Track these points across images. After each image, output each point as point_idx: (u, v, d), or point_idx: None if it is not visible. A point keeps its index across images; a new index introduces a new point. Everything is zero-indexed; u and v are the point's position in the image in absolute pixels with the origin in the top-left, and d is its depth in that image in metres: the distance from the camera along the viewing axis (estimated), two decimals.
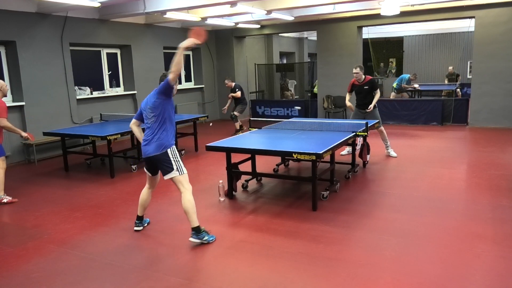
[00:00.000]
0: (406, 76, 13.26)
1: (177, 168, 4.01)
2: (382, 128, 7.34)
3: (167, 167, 4.01)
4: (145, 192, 4.39)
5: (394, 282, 3.29)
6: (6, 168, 5.77)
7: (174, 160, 4.01)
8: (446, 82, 15.81)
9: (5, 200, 5.67)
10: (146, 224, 4.60)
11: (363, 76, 7.30)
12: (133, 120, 4.30)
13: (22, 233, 4.60)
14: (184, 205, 4.00)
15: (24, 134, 5.80)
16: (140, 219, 4.49)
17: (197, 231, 4.05)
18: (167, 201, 5.51)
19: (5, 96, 5.79)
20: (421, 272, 3.42)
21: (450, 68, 15.64)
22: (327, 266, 3.59)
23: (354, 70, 7.26)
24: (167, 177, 4.04)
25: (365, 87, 7.29)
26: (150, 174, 4.27)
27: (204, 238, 4.08)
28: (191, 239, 4.07)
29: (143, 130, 4.23)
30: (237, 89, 10.42)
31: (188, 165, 7.52)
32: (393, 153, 7.59)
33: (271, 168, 6.70)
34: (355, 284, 3.27)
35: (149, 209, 5.17)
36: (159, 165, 4.07)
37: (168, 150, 4.00)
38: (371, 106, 7.15)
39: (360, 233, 4.26)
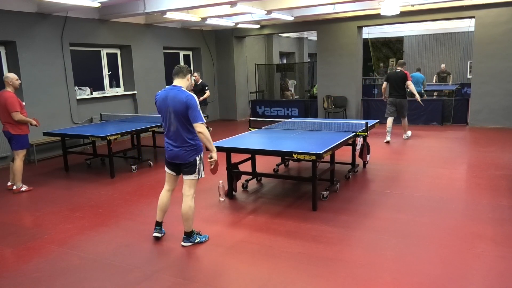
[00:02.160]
0: (420, 76, 12.27)
1: (197, 172, 3.95)
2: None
3: (191, 170, 3.92)
4: (164, 195, 4.11)
5: (394, 282, 3.29)
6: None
7: (199, 164, 3.94)
8: (434, 80, 15.49)
9: (23, 189, 6.03)
10: (163, 234, 4.29)
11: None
12: None
13: (22, 233, 4.60)
14: (184, 210, 3.96)
15: (34, 122, 6.10)
16: (160, 224, 4.22)
17: (188, 235, 4.07)
18: None
19: (17, 89, 5.98)
20: (421, 272, 3.42)
21: (443, 66, 15.33)
22: (327, 266, 3.59)
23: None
24: (186, 178, 3.96)
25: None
26: (174, 174, 4.05)
27: (196, 240, 4.09)
28: (183, 244, 4.06)
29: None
30: (207, 88, 9.71)
31: None
32: (405, 136, 9.22)
33: (271, 168, 6.70)
34: (355, 284, 3.27)
35: (149, 208, 5.18)
36: (183, 167, 3.94)
37: (197, 157, 3.91)
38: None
39: (360, 233, 4.26)
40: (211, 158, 3.87)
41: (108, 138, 6.51)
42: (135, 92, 10.55)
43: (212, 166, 3.89)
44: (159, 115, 4.03)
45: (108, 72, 10.37)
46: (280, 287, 3.28)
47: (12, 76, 5.89)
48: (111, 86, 10.41)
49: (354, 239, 4.14)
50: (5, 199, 5.86)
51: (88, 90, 9.68)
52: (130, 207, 5.29)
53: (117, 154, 7.34)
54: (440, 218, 4.57)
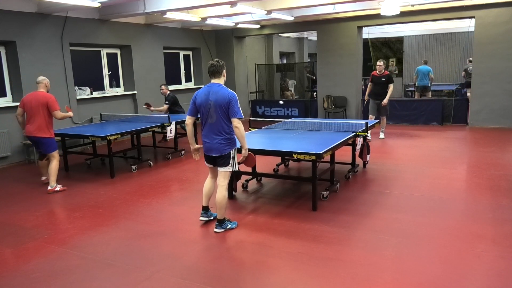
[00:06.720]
0: (426, 68, 12.78)
1: (231, 164, 4.29)
2: (385, 118, 9.21)
3: (225, 162, 4.26)
4: (208, 182, 4.52)
5: (394, 282, 3.29)
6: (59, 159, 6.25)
7: (232, 157, 4.28)
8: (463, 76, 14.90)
9: (57, 189, 6.08)
10: (212, 218, 4.60)
11: (383, 70, 8.92)
12: (190, 117, 4.33)
13: (22, 233, 4.60)
14: (218, 199, 4.30)
15: (71, 114, 6.36)
16: (205, 209, 4.57)
17: (221, 222, 4.37)
18: (167, 201, 5.52)
19: (48, 91, 6.16)
20: (421, 272, 3.42)
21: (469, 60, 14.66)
22: (327, 266, 3.59)
23: (378, 63, 8.87)
24: (220, 169, 4.30)
25: (382, 79, 8.88)
26: (212, 166, 4.42)
27: (228, 227, 4.40)
28: (216, 230, 4.35)
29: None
30: (166, 102, 8.81)
31: (188, 165, 7.55)
32: (382, 136, 9.19)
33: (271, 168, 6.70)
34: (355, 284, 3.27)
35: (149, 208, 5.18)
36: (218, 160, 4.28)
37: (231, 151, 4.23)
38: (385, 100, 8.75)
39: (360, 233, 4.26)
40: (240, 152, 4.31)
41: (108, 138, 6.51)
42: (135, 92, 10.55)
43: (244, 159, 4.36)
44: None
45: (108, 72, 10.37)
46: (280, 287, 3.28)
47: (47, 79, 6.13)
48: (111, 86, 10.41)
49: (354, 239, 4.14)
50: (5, 199, 5.86)
51: (88, 90, 9.67)
52: (130, 207, 5.29)
53: (117, 154, 7.35)
54: (440, 218, 4.57)
